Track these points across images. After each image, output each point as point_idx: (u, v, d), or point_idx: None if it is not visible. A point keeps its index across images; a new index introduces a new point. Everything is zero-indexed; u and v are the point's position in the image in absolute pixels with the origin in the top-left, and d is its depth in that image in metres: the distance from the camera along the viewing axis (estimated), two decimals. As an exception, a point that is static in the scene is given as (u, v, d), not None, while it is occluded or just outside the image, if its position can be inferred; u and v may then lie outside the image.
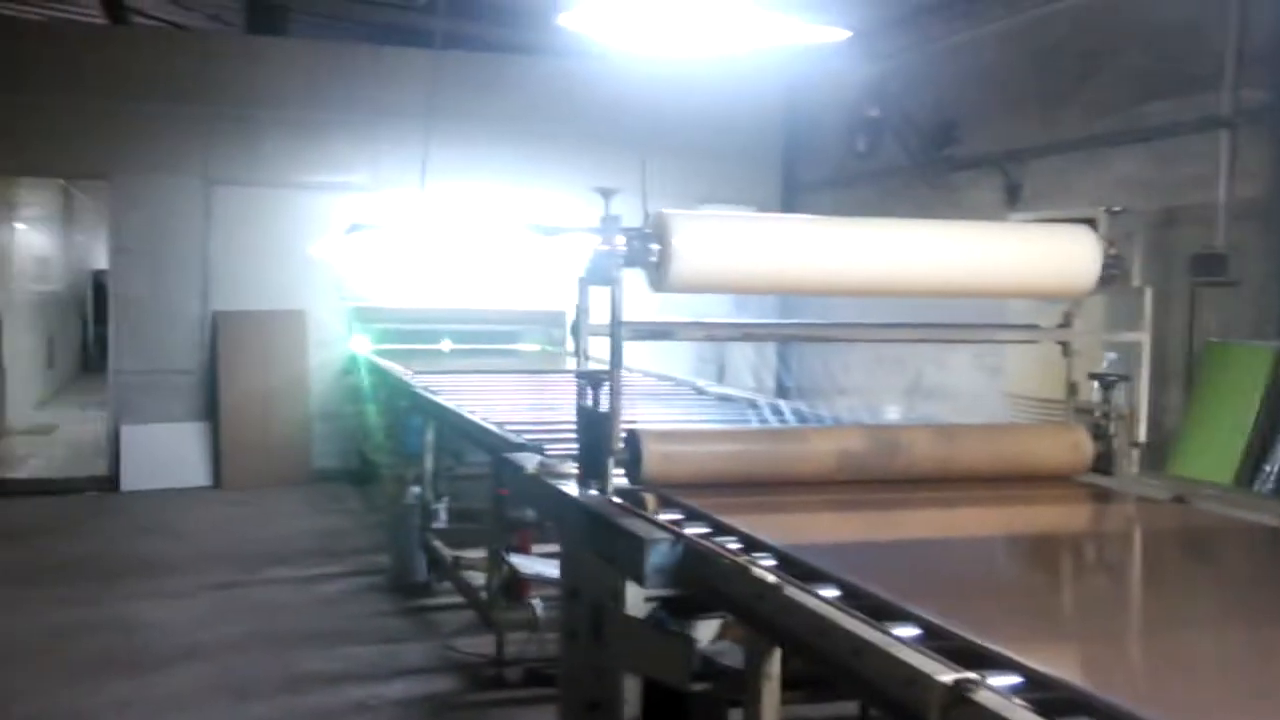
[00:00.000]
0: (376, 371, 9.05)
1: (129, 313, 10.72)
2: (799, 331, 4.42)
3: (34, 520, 9.22)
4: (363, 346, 10.11)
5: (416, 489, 7.23)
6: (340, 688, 5.60)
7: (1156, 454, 6.87)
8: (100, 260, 18.82)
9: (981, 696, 1.81)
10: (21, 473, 11.17)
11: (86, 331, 21.35)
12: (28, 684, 5.58)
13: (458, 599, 6.59)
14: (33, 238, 15.94)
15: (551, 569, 5.16)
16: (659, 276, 3.46)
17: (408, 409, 7.81)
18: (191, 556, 8.06)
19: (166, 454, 10.56)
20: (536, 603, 5.50)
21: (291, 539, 8.62)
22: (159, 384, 10.66)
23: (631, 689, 3.18)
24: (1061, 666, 1.99)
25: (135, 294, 10.70)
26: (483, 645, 5.97)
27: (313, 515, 9.53)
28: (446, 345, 10.03)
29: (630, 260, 3.44)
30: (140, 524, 9.11)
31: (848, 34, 7.49)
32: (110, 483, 10.46)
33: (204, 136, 10.73)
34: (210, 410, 10.74)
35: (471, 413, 5.44)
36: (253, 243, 10.80)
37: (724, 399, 6.53)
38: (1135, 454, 3.97)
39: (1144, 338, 4.08)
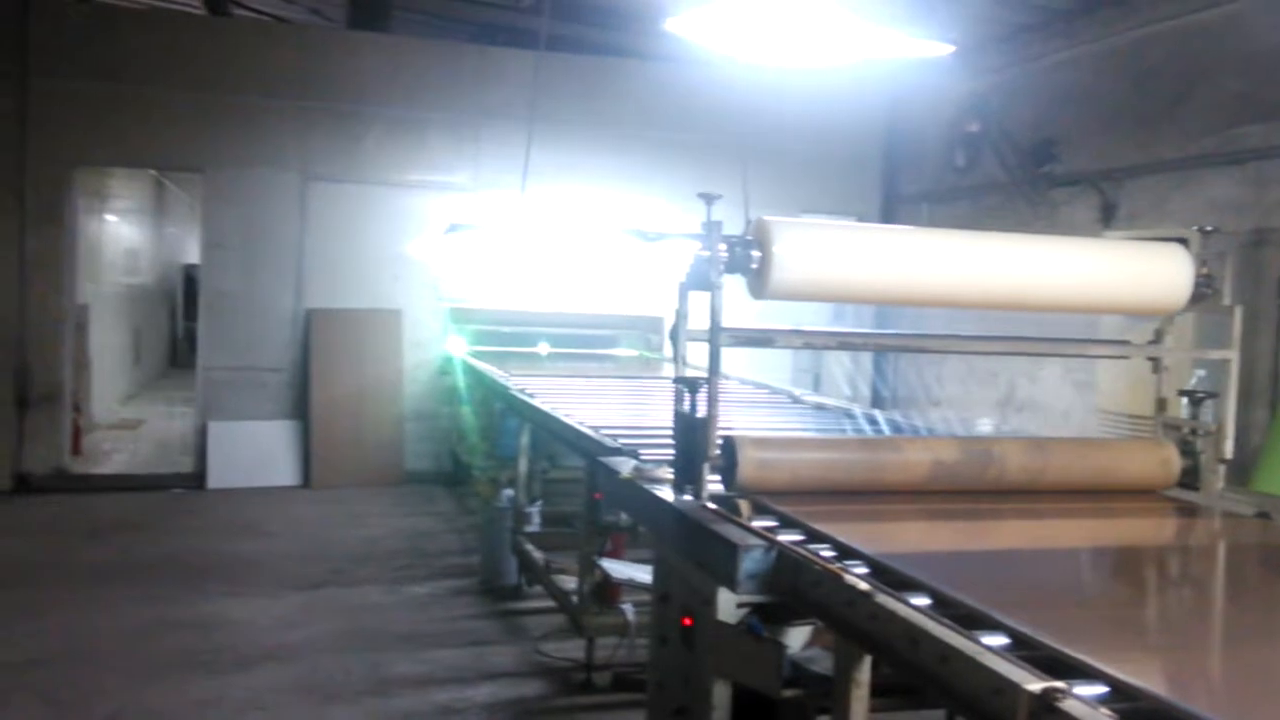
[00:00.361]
0: (472, 373, 9.12)
1: (220, 308, 10.70)
2: (895, 342, 4.47)
3: (118, 516, 9.11)
4: (459, 348, 10.25)
5: (509, 492, 7.27)
6: (427, 691, 5.58)
7: (1242, 470, 6.82)
8: (192, 254, 18.86)
9: (1068, 705, 1.86)
10: (106, 468, 11.13)
11: (175, 326, 21.40)
12: (110, 682, 5.53)
13: (548, 603, 6.56)
14: (123, 230, 15.84)
15: (643, 574, 5.20)
16: (759, 284, 3.53)
17: (503, 411, 7.88)
18: (278, 556, 8.01)
19: (254, 452, 10.55)
20: (627, 608, 5.51)
21: (381, 540, 8.60)
22: (249, 381, 10.67)
23: (720, 695, 3.21)
24: (1146, 677, 2.05)
25: (227, 289, 10.67)
26: (572, 650, 5.97)
27: (403, 516, 9.53)
28: (544, 349, 10.11)
29: (731, 267, 3.51)
30: (226, 522, 9.06)
31: (951, 49, 7.49)
32: (196, 480, 10.40)
33: (302, 131, 10.76)
34: (301, 409, 10.74)
35: (567, 416, 5.52)
36: (349, 240, 10.83)
37: (819, 408, 6.58)
38: (1221, 470, 3.98)
39: (1233, 355, 4.09)
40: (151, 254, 18.47)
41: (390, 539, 8.67)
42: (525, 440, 7.08)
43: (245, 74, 10.64)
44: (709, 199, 3.54)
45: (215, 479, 10.38)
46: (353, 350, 10.85)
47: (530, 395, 6.59)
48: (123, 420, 14.11)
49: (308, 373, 10.75)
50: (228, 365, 10.67)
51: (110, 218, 14.75)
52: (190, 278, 19.45)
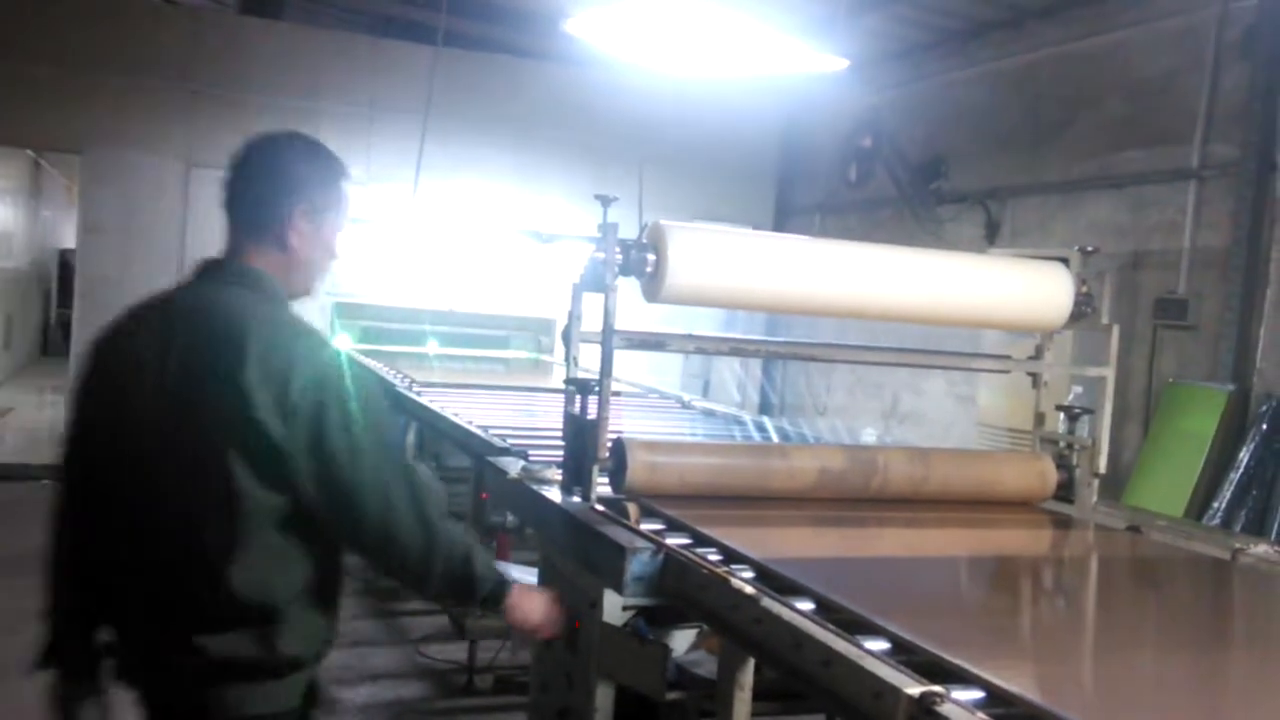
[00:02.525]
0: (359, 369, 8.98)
1: (96, 294, 10.21)
2: (785, 349, 4.50)
3: (-17, 507, 8.74)
4: (345, 344, 10.08)
5: (394, 490, 7.12)
6: None
7: (1114, 485, 7.07)
8: (68, 239, 18.29)
9: (946, 709, 1.90)
10: (-29, 457, 10.70)
11: (49, 313, 20.81)
12: (-29, 678, 5.39)
13: (430, 604, 6.38)
14: (-5, 211, 15.30)
15: (528, 576, 5.18)
16: (653, 287, 3.53)
17: (389, 409, 7.76)
18: (151, 551, 7.79)
19: (129, 444, 10.21)
20: (512, 608, 5.47)
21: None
22: (125, 370, 10.34)
23: (603, 697, 3.21)
24: (1022, 683, 2.10)
25: (104, 275, 10.25)
26: (454, 652, 5.90)
27: (284, 513, 9.31)
28: (433, 347, 9.99)
29: (625, 269, 3.50)
30: None
31: (846, 63, 7.62)
32: None
33: (187, 116, 10.45)
34: (179, 401, 10.43)
35: (455, 415, 5.45)
36: (234, 230, 10.58)
37: (709, 414, 6.62)
38: (1095, 484, 4.10)
39: (1109, 373, 4.22)
40: (25, 237, 17.86)
41: (270, 536, 8.42)
42: (411, 439, 6.95)
43: (131, 55, 10.30)
44: (605, 201, 3.53)
45: (88, 471, 9.96)
46: (235, 343, 10.52)
47: (417, 393, 6.51)
48: (-10, 409, 13.61)
49: (188, 365, 10.39)
50: (104, 353, 10.25)
51: (-19, 198, 14.22)
52: (66, 263, 18.85)
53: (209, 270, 2.54)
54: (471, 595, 2.54)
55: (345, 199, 2.64)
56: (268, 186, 2.55)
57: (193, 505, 2.30)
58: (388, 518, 2.32)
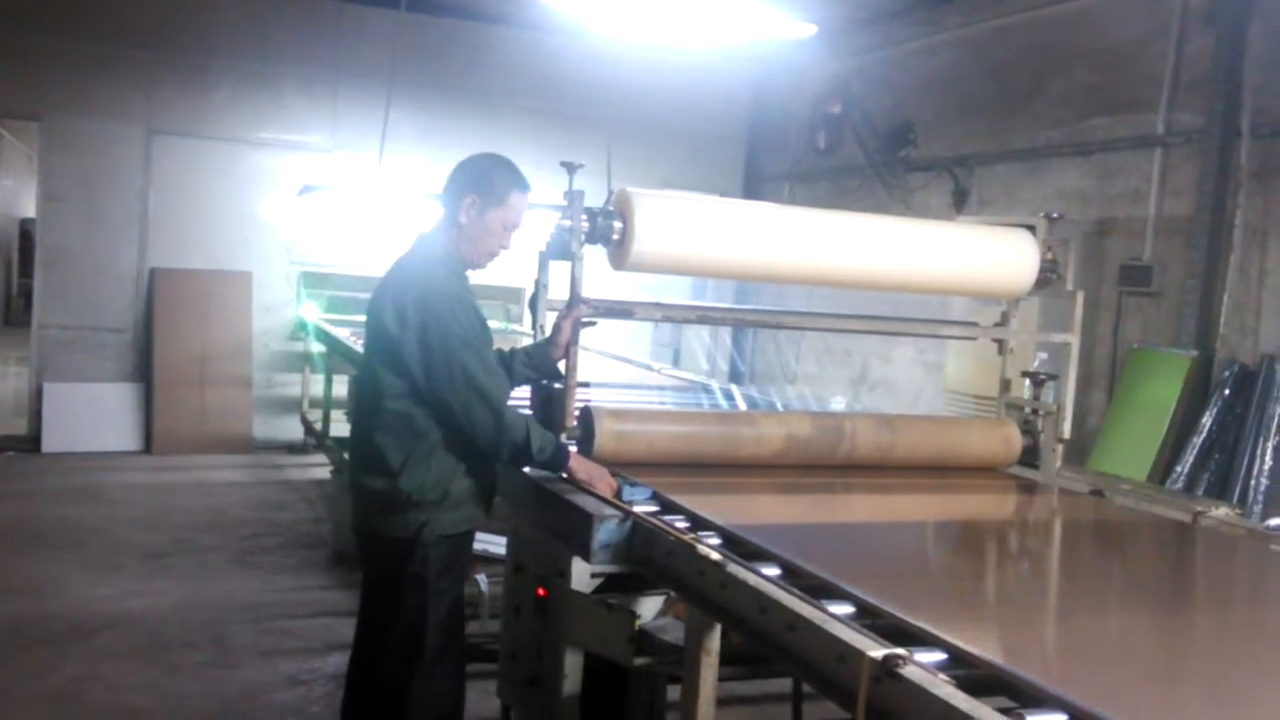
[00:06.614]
0: (326, 339, 8.92)
1: (58, 264, 10.16)
2: (754, 317, 4.51)
3: (-56, 481, 8.77)
4: (312, 313, 10.01)
5: (361, 460, 7.12)
6: (273, 661, 5.40)
7: (1079, 450, 7.13)
8: (29, 207, 18.09)
9: (908, 671, 1.92)
10: (-69, 430, 10.62)
11: (10, 283, 20.59)
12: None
13: None
14: (-48, 181, 15.01)
15: (496, 545, 5.18)
16: (620, 254, 3.52)
17: (357, 378, 7.74)
18: (118, 523, 7.69)
19: (93, 415, 10.08)
20: (481, 579, 5.48)
21: (228, 509, 8.30)
22: (88, 341, 10.21)
23: (572, 664, 3.24)
24: (984, 645, 2.12)
25: (65, 245, 10.10)
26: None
27: (250, 485, 9.23)
28: None
29: (592, 237, 3.49)
30: (63, 487, 8.66)
31: (814, 29, 7.59)
32: (31, 443, 9.92)
33: (148, 82, 10.24)
34: (143, 371, 10.32)
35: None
36: (197, 198, 10.39)
37: (678, 382, 6.60)
38: (1060, 449, 4.14)
39: (1074, 339, 4.25)
40: (-15, 207, 17.63)
41: (237, 508, 8.39)
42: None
43: (89, 19, 10.06)
44: (571, 167, 3.52)
45: (51, 442, 9.92)
46: (199, 312, 10.45)
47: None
48: (-50, 379, 13.45)
49: (151, 334, 10.32)
50: (66, 324, 10.19)
51: (-62, 167, 13.99)
52: (27, 232, 18.60)
53: (418, 236, 3.54)
54: (532, 461, 3.30)
55: (513, 204, 3.43)
56: (453, 180, 3.48)
57: (362, 389, 3.47)
58: (468, 402, 3.21)
